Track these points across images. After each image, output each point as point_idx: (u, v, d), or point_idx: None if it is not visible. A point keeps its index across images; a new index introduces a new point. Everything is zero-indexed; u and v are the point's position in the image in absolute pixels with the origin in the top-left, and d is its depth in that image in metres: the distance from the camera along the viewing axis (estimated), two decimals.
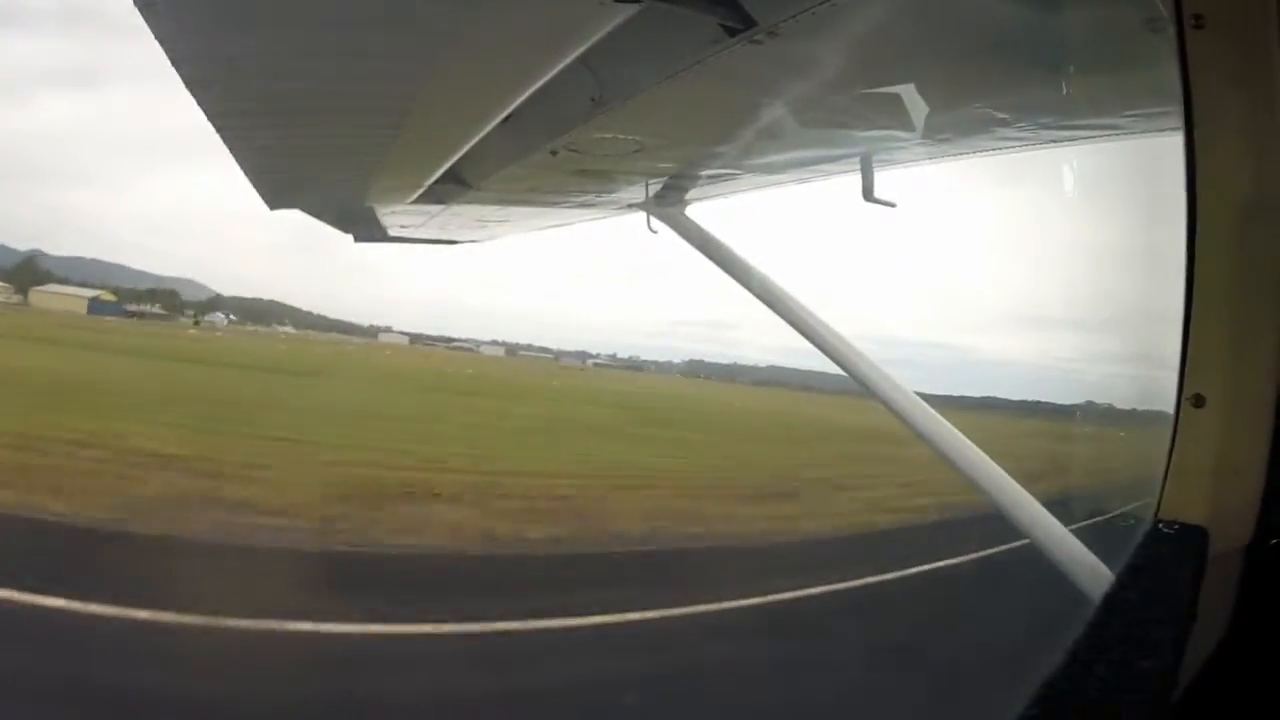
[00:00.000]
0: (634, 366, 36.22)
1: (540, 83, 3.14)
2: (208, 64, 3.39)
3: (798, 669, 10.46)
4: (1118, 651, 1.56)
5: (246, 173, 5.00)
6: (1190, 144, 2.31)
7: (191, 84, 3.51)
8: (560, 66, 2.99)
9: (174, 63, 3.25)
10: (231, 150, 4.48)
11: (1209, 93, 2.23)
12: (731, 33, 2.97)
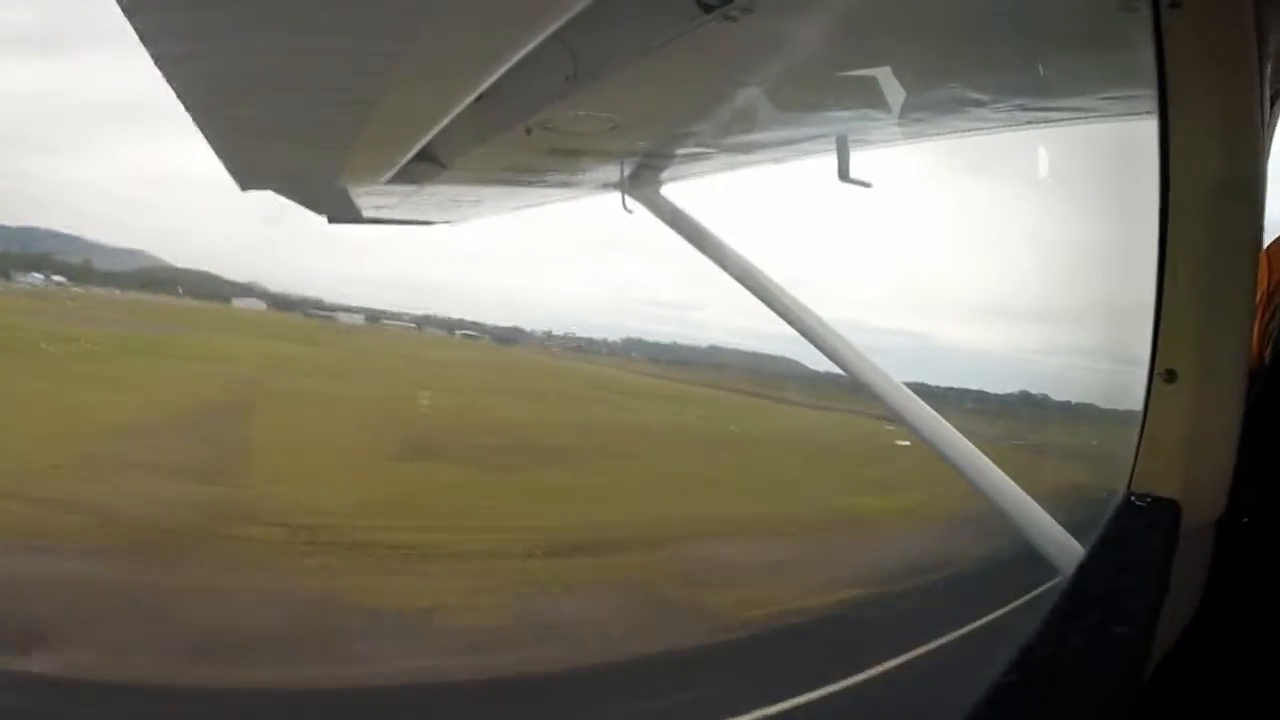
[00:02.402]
0: (505, 339, 35.40)
1: (514, 59, 3.11)
2: (177, 41, 3.33)
3: None
4: (1091, 619, 1.58)
5: (218, 153, 4.93)
6: (1164, 123, 2.32)
7: (161, 61, 3.45)
8: (535, 43, 2.96)
9: (143, 39, 3.19)
10: (202, 130, 4.41)
11: (1184, 72, 2.24)
12: (707, 9, 2.96)
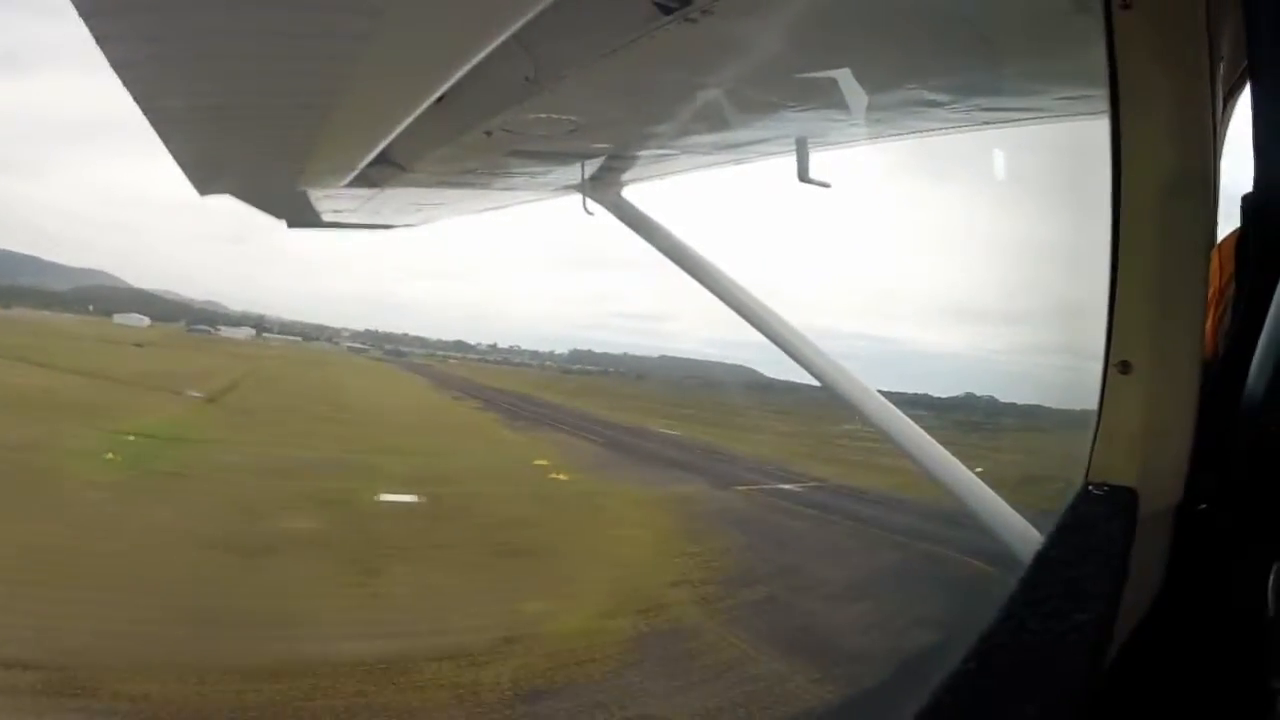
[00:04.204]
0: (394, 352, 35.53)
1: (474, 61, 3.09)
2: (135, 46, 3.29)
3: None
4: (1051, 605, 1.59)
5: (176, 158, 4.87)
6: (1116, 121, 2.36)
7: (119, 67, 3.41)
8: (494, 45, 2.94)
9: (100, 44, 3.15)
10: (160, 136, 4.35)
11: (1135, 71, 2.28)
12: (666, 10, 2.96)
